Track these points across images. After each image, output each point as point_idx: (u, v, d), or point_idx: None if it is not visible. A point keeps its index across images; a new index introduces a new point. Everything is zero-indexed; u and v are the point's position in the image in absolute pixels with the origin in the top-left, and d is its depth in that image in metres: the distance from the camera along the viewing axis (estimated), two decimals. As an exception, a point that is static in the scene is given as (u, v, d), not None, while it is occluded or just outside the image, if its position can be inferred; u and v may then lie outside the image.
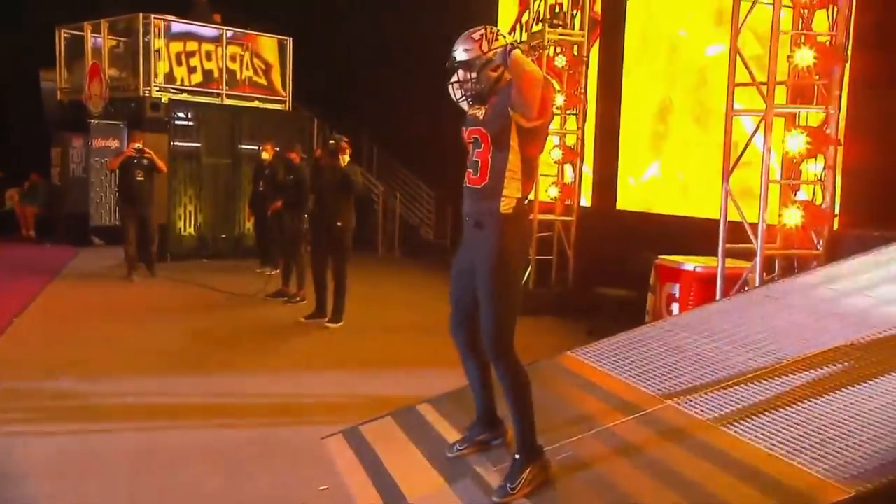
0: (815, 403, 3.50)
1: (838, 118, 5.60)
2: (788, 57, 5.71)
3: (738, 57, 5.71)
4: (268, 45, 13.91)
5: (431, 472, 3.88)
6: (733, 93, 5.78)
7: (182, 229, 12.72)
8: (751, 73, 5.63)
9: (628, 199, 9.16)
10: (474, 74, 3.48)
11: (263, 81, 13.76)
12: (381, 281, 11.15)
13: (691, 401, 3.89)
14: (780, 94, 5.79)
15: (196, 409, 5.26)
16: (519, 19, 11.54)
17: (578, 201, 9.23)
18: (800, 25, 5.74)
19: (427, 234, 14.88)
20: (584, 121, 9.11)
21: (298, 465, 4.33)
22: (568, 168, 9.26)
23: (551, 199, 9.15)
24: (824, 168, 5.66)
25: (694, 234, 7.12)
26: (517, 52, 3.36)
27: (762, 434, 3.38)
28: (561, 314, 8.61)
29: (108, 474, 4.14)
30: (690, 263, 6.38)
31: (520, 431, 3.51)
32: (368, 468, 4.11)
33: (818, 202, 5.70)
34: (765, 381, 3.87)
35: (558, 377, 4.69)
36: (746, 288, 5.85)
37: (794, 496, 2.87)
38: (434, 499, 3.64)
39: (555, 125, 9.16)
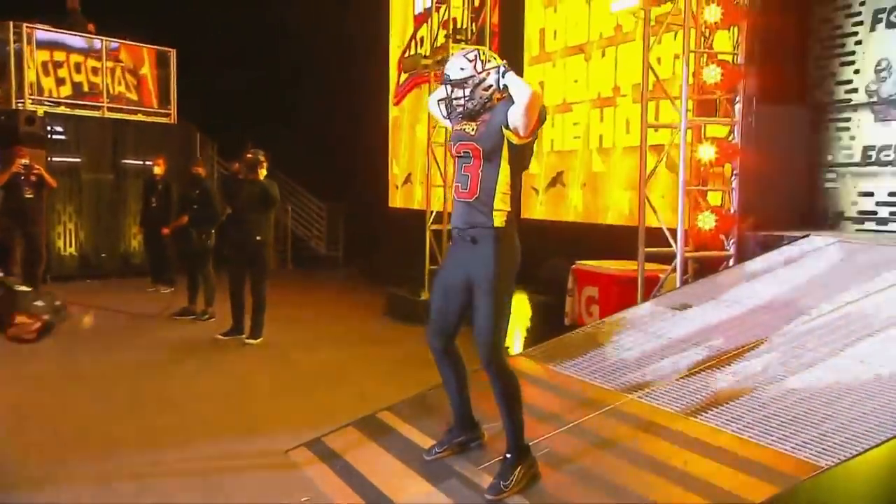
0: (771, 387, 3.86)
1: (740, 130, 6.11)
2: (695, 73, 6.17)
3: (650, 72, 6.12)
4: (145, 56, 13.50)
5: (413, 476, 4.00)
6: (646, 106, 6.19)
7: (62, 248, 12.16)
8: (664, 90, 6.07)
9: (532, 208, 9.52)
10: (467, 92, 3.63)
11: (134, 96, 13.31)
12: (282, 296, 11.03)
13: (652, 394, 4.19)
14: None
15: (145, 435, 5.13)
16: (414, 35, 11.80)
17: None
18: (702, 44, 6.21)
19: (318, 246, 14.86)
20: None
21: (270, 480, 4.33)
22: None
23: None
24: (732, 175, 6.14)
25: (593, 240, 7.53)
26: (513, 73, 3.55)
27: (728, 419, 3.70)
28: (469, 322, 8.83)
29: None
30: (609, 267, 6.75)
31: (511, 431, 3.69)
32: (345, 477, 4.17)
33: (725, 207, 6.19)
34: (717, 371, 4.20)
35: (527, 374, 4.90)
36: (661, 290, 6.27)
37: (777, 475, 3.17)
38: (423, 501, 3.75)
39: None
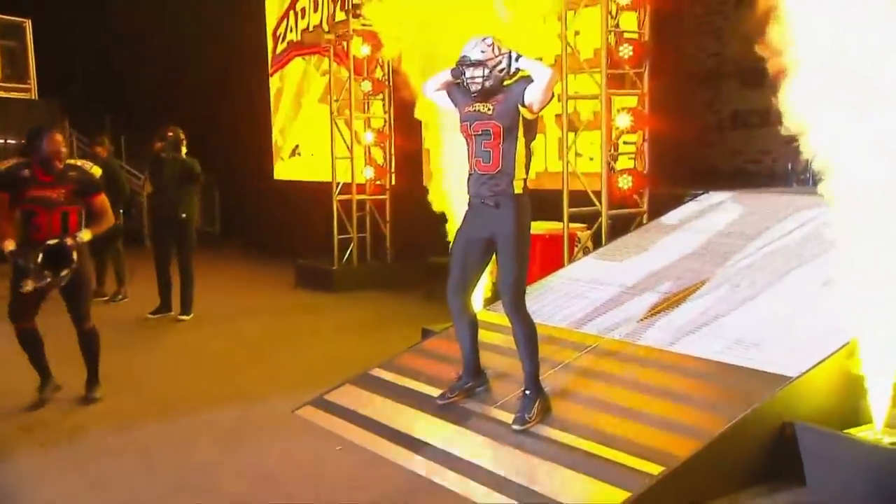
0: (734, 316, 4.63)
1: (648, 100, 6.93)
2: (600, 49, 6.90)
3: (567, 49, 6.80)
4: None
5: (433, 419, 4.51)
6: (566, 79, 6.87)
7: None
8: (582, 64, 6.78)
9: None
10: (486, 72, 4.17)
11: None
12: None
13: (625, 333, 4.88)
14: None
15: (141, 407, 5.30)
16: (293, 6, 11.92)
17: (390, 181, 9.96)
18: (608, 24, 6.94)
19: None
20: (391, 105, 9.81)
21: (292, 436, 4.69)
22: (378, 151, 9.95)
23: (366, 180, 9.78)
24: (643, 141, 6.97)
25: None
26: (525, 57, 4.09)
27: (705, 347, 4.44)
28: (387, 287, 9.31)
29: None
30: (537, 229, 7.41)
31: (530, 371, 4.28)
32: (367, 426, 4.61)
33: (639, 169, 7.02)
34: (678, 308, 4.95)
35: (488, 330, 5.47)
36: (579, 246, 7.02)
37: (754, 387, 3.92)
38: (454, 439, 4.28)
39: (358, 111, 9.82)
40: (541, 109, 4.21)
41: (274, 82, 12.96)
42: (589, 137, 7.37)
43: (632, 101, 6.95)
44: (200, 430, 4.84)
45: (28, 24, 12.94)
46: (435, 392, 4.72)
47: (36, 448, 4.63)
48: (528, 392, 4.28)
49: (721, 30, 7.33)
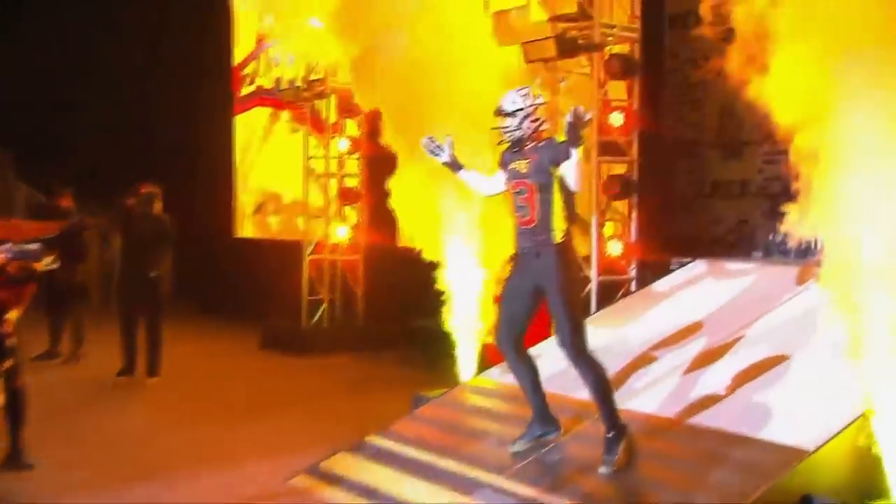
0: (744, 388, 4.73)
1: (637, 168, 7.17)
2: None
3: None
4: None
5: (439, 489, 4.49)
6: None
7: None
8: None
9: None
10: (516, 123, 4.41)
11: None
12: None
13: (631, 403, 4.94)
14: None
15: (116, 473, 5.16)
16: (263, 48, 12.06)
17: (365, 240, 10.02)
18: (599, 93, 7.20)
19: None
20: (367, 164, 9.92)
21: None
22: (351, 210, 10.06)
23: (339, 239, 9.82)
24: (630, 207, 7.18)
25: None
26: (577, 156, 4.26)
27: (715, 418, 4.53)
28: (360, 350, 9.27)
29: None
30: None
31: (607, 414, 4.36)
32: (370, 496, 4.56)
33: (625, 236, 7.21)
34: (684, 378, 5.05)
35: (481, 395, 5.50)
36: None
37: (786, 454, 4.01)
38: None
39: (332, 167, 9.92)
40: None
41: (240, 133, 12.98)
42: (578, 202, 7.48)
43: (621, 169, 7.17)
44: (189, 501, 4.73)
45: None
46: (438, 461, 4.71)
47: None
48: (611, 434, 4.34)
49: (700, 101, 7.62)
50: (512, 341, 4.56)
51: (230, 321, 11.45)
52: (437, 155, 4.69)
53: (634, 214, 7.20)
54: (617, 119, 6.97)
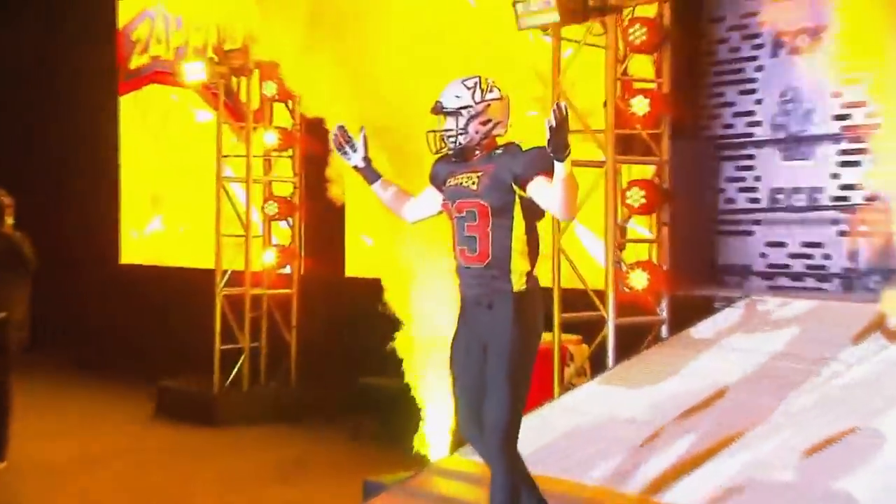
0: (810, 469, 4.85)
1: (669, 170, 7.31)
2: (605, 103, 7.27)
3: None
4: None
5: None
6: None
7: None
8: (583, 121, 7.15)
9: (358, 264, 10.22)
10: (461, 124, 4.42)
11: None
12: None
13: (659, 489, 5.05)
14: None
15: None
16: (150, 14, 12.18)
17: (299, 268, 10.11)
18: (616, 70, 7.34)
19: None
20: (302, 165, 10.03)
21: None
22: (283, 225, 10.17)
23: (264, 267, 9.89)
24: (661, 225, 7.31)
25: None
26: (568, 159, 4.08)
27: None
28: (293, 420, 9.36)
29: None
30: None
31: None
32: None
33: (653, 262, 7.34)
34: (726, 459, 5.15)
35: (466, 487, 5.58)
36: (572, 363, 7.27)
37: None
38: None
39: (256, 171, 10.01)
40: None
41: (125, 111, 13.04)
42: (589, 217, 7.67)
43: (646, 172, 7.33)
44: None
45: None
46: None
47: None
48: None
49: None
50: (477, 423, 4.49)
51: (114, 379, 11.45)
52: (345, 155, 4.68)
53: (665, 233, 7.34)
54: (641, 105, 7.10)
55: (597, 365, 7.18)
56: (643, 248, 7.49)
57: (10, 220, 7.80)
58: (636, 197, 7.17)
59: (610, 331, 7.06)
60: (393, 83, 6.54)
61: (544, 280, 7.55)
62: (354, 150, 4.65)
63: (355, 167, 4.70)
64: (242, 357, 9.84)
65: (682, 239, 7.43)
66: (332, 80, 7.29)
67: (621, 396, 6.25)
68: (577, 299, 7.26)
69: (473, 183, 4.40)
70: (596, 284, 7.20)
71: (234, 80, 9.98)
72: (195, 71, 9.77)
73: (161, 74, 12.39)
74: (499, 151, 4.45)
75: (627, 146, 7.34)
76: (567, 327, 7.24)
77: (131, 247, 13.20)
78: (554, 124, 3.88)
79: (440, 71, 6.00)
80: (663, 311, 7.32)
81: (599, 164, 7.13)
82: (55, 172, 13.47)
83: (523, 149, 4.37)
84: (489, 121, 4.44)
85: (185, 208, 12.12)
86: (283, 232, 10.26)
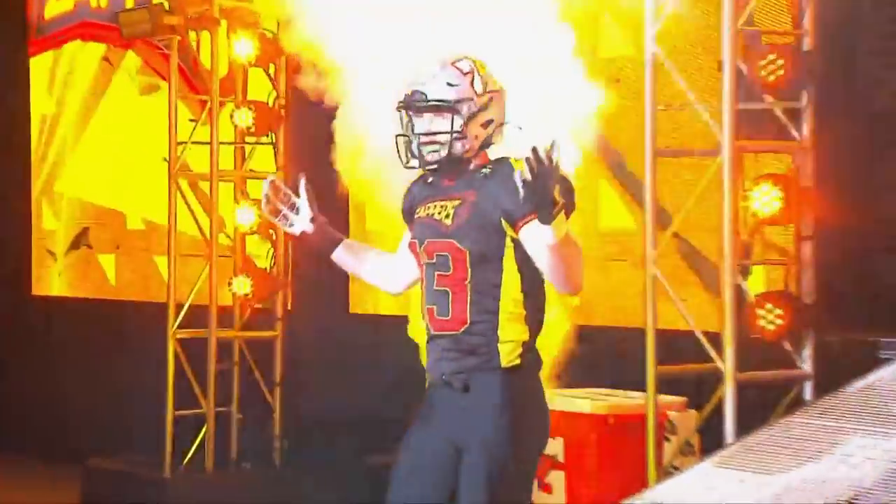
0: None
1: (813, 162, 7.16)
2: (720, 66, 7.14)
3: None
4: None
5: None
6: (654, 118, 7.05)
7: None
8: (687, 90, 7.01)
9: (368, 296, 10.09)
10: (457, 125, 4.28)
11: None
12: None
13: None
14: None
15: None
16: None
17: (285, 302, 10.07)
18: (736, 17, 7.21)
19: None
20: (287, 155, 9.93)
21: None
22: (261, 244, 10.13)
23: (236, 299, 9.80)
24: (802, 239, 7.16)
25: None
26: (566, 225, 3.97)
27: None
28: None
29: None
30: (586, 401, 7.47)
31: None
32: None
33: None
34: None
35: None
36: (674, 435, 7.11)
37: None
38: None
39: (225, 163, 9.93)
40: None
41: (37, 79, 13.06)
42: (697, 229, 7.62)
43: (781, 163, 7.20)
44: None
45: None
46: None
47: None
48: None
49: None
50: None
51: (21, 456, 11.51)
52: (285, 221, 4.59)
53: (808, 252, 7.21)
54: (773, 68, 6.96)
55: (709, 439, 7.01)
56: (777, 273, 7.40)
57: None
58: (767, 199, 7.03)
59: (728, 391, 6.91)
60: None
61: (632, 318, 7.65)
62: (296, 212, 4.56)
63: (302, 235, 4.60)
64: (205, 427, 9.72)
65: (832, 259, 7.32)
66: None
67: (745, 486, 6.08)
68: (680, 345, 7.21)
69: (447, 215, 4.33)
70: (708, 325, 7.11)
71: (192, 35, 9.91)
72: (137, 21, 9.68)
73: (89, 27, 12.29)
74: (485, 171, 4.33)
75: (754, 127, 7.22)
76: (666, 385, 7.17)
77: (47, 272, 13.07)
78: (529, 178, 3.73)
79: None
80: (806, 363, 7.17)
81: (712, 153, 7.02)
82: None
83: (518, 168, 4.08)
84: (490, 122, 4.37)
85: (122, 218, 12.04)
86: (262, 250, 10.22)
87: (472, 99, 4.31)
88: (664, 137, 7.35)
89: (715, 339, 6.98)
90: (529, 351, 4.29)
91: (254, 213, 9.84)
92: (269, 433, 10.02)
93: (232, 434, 9.99)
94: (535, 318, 4.31)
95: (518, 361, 4.24)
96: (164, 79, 10.46)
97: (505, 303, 4.23)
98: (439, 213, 4.32)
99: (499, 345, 4.23)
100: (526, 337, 4.27)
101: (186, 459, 9.69)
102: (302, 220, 4.55)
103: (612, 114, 7.02)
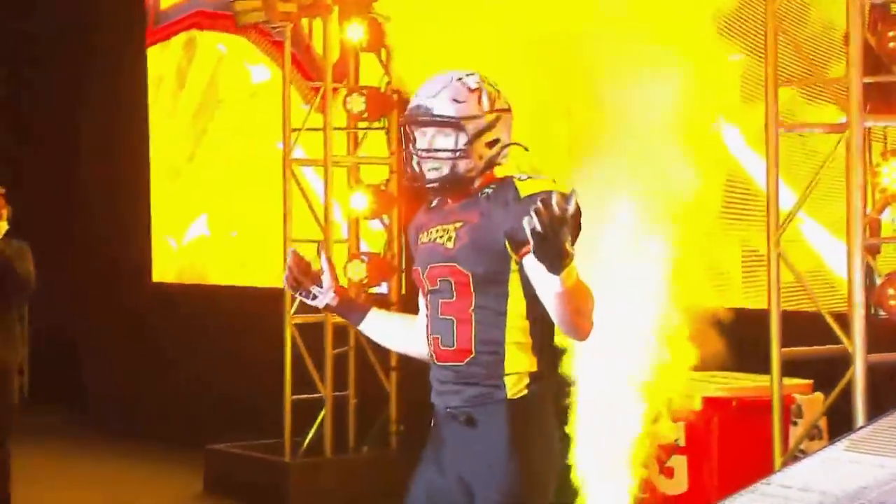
0: None
1: None
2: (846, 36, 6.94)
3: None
4: None
5: None
6: (776, 93, 6.85)
7: None
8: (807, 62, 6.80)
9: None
10: (461, 143, 4.05)
11: None
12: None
13: None
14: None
15: None
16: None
17: (399, 287, 10.05)
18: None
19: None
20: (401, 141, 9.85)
21: None
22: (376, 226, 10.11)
23: (351, 284, 9.74)
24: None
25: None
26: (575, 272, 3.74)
27: None
28: (389, 497, 9.11)
29: None
30: (705, 384, 7.29)
31: None
32: None
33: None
34: None
35: None
36: (800, 420, 6.90)
37: None
38: None
39: (338, 149, 9.92)
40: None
41: (154, 70, 13.16)
42: (822, 207, 7.49)
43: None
44: None
45: None
46: None
47: None
48: None
49: None
50: None
51: (142, 441, 11.58)
52: (307, 296, 4.39)
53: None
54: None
55: (838, 423, 6.82)
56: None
57: (4, 225, 7.87)
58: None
59: (858, 373, 6.69)
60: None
61: (756, 300, 7.49)
62: (319, 285, 4.37)
63: (327, 308, 4.43)
64: (324, 411, 9.76)
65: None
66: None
67: (878, 472, 5.87)
68: (806, 327, 7.01)
69: (449, 238, 4.13)
70: (835, 305, 6.98)
71: (304, 21, 9.92)
72: (252, 9, 9.69)
73: (204, 16, 12.36)
74: (487, 191, 4.11)
75: (883, 100, 6.99)
76: (792, 368, 6.99)
77: (166, 259, 13.17)
78: (539, 229, 3.45)
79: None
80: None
81: (839, 129, 6.86)
82: (62, 161, 13.52)
83: (523, 191, 4.00)
84: (496, 141, 4.14)
85: (238, 204, 12.07)
86: (376, 235, 10.21)
87: (477, 117, 4.11)
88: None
89: (842, 320, 6.78)
90: (537, 381, 4.11)
91: (367, 199, 9.84)
92: (385, 417, 10.05)
93: (349, 418, 10.03)
94: (543, 345, 4.13)
95: (525, 392, 4.08)
96: (277, 65, 10.48)
97: (511, 332, 4.06)
98: (441, 237, 4.15)
99: (504, 377, 4.06)
100: (533, 367, 4.09)
101: (305, 444, 9.74)
102: (326, 294, 4.39)
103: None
